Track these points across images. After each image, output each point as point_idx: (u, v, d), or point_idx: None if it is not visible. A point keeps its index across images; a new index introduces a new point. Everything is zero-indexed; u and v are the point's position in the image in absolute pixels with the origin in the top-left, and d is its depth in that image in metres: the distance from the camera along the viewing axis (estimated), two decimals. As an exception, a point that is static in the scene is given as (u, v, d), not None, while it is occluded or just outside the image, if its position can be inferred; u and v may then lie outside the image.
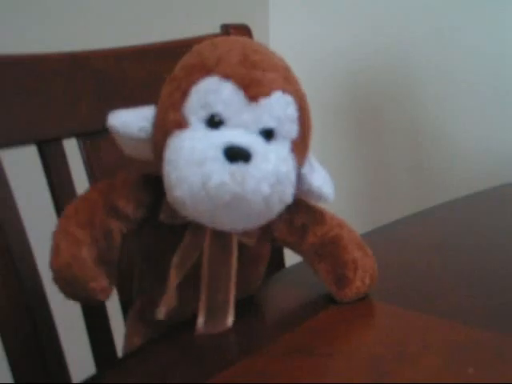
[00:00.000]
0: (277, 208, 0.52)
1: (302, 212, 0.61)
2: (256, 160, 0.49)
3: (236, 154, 0.49)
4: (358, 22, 1.50)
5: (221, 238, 0.56)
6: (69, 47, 0.74)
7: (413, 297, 0.64)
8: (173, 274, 0.56)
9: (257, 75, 0.52)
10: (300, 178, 0.56)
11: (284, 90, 0.53)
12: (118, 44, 0.77)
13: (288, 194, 0.53)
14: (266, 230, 0.59)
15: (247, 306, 0.61)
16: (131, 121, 0.55)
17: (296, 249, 0.63)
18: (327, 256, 0.61)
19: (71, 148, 0.72)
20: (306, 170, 0.57)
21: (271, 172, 0.50)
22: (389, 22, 1.46)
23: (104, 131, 0.72)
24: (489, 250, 0.76)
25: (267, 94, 0.52)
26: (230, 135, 0.51)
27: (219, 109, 0.51)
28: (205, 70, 0.53)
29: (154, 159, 0.55)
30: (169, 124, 0.52)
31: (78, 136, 0.71)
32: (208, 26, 0.87)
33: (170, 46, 0.81)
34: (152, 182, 0.57)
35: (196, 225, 0.55)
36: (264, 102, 0.52)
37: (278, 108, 0.53)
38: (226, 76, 0.52)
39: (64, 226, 0.54)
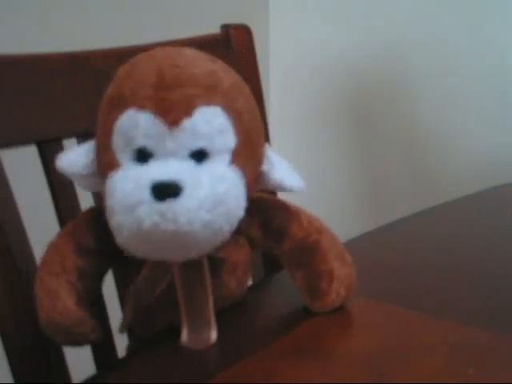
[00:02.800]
0: (226, 227, 0.50)
1: (278, 215, 0.59)
2: (186, 191, 0.47)
3: (163, 192, 0.47)
4: (358, 23, 1.50)
5: (190, 264, 0.54)
6: (69, 47, 0.74)
7: (413, 297, 0.64)
8: (128, 304, 0.56)
9: (173, 97, 0.49)
10: (262, 177, 0.55)
11: (208, 103, 0.50)
12: (118, 44, 0.77)
13: (235, 210, 0.51)
14: (238, 238, 0.57)
15: (247, 307, 0.61)
16: (75, 159, 0.54)
17: (275, 254, 0.61)
18: (303, 264, 0.60)
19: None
20: (265, 167, 0.55)
21: (205, 198, 0.48)
22: (389, 22, 1.46)
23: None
24: (489, 250, 0.76)
25: (188, 114, 0.49)
26: (157, 170, 0.49)
27: (142, 142, 0.50)
28: (122, 104, 0.51)
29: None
30: (103, 166, 0.52)
31: (77, 136, 0.71)
32: (208, 26, 0.87)
33: (170, 46, 0.81)
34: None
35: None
36: (186, 123, 0.49)
37: (203, 125, 0.50)
38: (142, 106, 0.50)
39: (41, 277, 0.54)
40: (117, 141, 0.51)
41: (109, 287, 0.64)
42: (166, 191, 0.47)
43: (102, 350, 0.69)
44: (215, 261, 0.56)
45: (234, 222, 0.51)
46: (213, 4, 1.44)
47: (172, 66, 0.51)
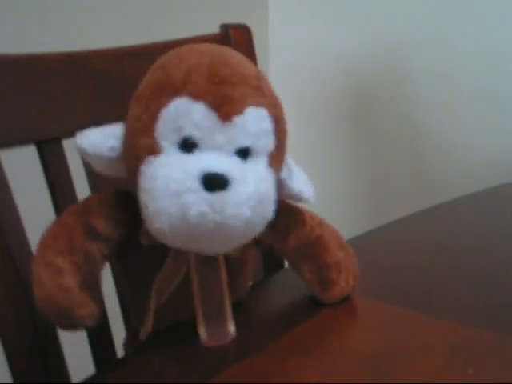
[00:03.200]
0: (259, 227, 0.52)
1: (283, 214, 0.59)
2: (234, 185, 0.48)
3: (213, 183, 0.47)
4: (358, 22, 1.50)
5: (207, 258, 0.55)
6: (69, 47, 0.73)
7: (413, 297, 0.64)
8: (153, 299, 0.56)
9: (228, 92, 0.50)
10: (280, 184, 0.56)
11: (257, 104, 0.52)
12: (118, 44, 0.77)
13: (269, 212, 0.52)
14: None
15: (247, 307, 0.61)
16: (100, 141, 0.53)
17: (279, 250, 0.63)
18: (310, 258, 0.61)
19: (71, 148, 0.72)
20: (284, 175, 0.57)
21: (251, 195, 0.49)
22: (389, 21, 1.46)
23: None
24: (488, 250, 0.76)
25: (240, 111, 0.50)
26: (206, 161, 0.49)
27: (192, 132, 0.50)
28: (173, 91, 0.50)
29: (129, 178, 0.53)
30: (141, 149, 0.51)
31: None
32: (208, 26, 0.87)
33: (170, 46, 0.81)
34: (127, 199, 0.55)
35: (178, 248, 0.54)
36: (238, 120, 0.50)
37: (253, 125, 0.51)
38: (197, 96, 0.50)
39: (43, 254, 0.52)
40: (163, 126, 0.50)
41: (108, 289, 0.63)
42: (216, 183, 0.48)
43: (102, 349, 0.69)
44: (227, 259, 0.56)
45: (265, 224, 0.52)
46: (212, 4, 1.44)
47: (224, 64, 0.52)
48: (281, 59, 1.61)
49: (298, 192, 0.58)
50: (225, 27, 0.86)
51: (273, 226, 0.58)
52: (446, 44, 1.40)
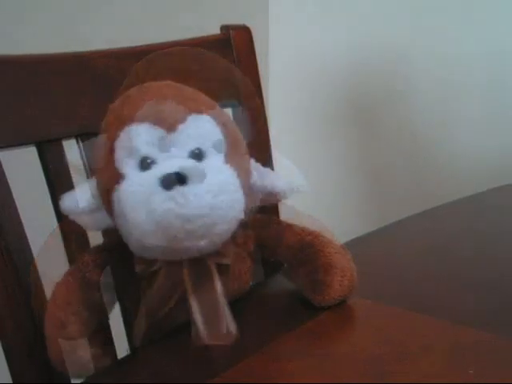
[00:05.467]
0: (231, 216, 0.54)
1: (272, 228, 0.63)
2: (191, 179, 0.51)
3: (171, 181, 0.51)
4: (358, 23, 1.51)
5: (198, 266, 0.57)
6: (69, 47, 0.74)
7: (413, 298, 0.64)
8: (144, 317, 0.58)
9: (168, 108, 0.55)
10: (254, 188, 0.59)
11: (198, 112, 0.56)
12: (118, 44, 0.77)
13: (238, 200, 0.54)
14: (240, 246, 0.61)
15: (246, 307, 0.61)
16: (77, 197, 0.58)
17: (272, 263, 0.65)
18: (304, 261, 0.62)
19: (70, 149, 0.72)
20: (254, 178, 0.60)
21: (209, 184, 0.52)
22: (389, 22, 1.46)
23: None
24: (489, 252, 0.76)
25: (183, 120, 0.55)
26: (163, 167, 0.53)
27: (145, 150, 0.54)
28: (121, 123, 0.55)
29: (113, 222, 0.57)
30: (108, 183, 0.55)
31: (77, 136, 0.71)
32: (208, 26, 0.87)
33: (170, 47, 0.81)
34: (116, 246, 0.59)
35: (170, 264, 0.56)
36: (182, 127, 0.55)
37: (197, 128, 0.55)
38: (141, 119, 0.54)
39: (47, 312, 0.57)
40: (119, 155, 0.54)
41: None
42: (173, 181, 0.51)
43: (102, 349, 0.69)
44: (221, 268, 0.58)
45: (237, 213, 0.54)
46: (213, 4, 1.44)
47: (161, 88, 0.58)
48: (281, 60, 1.61)
49: (272, 187, 0.61)
50: (225, 28, 0.86)
51: (261, 240, 0.63)
52: (447, 45, 1.40)
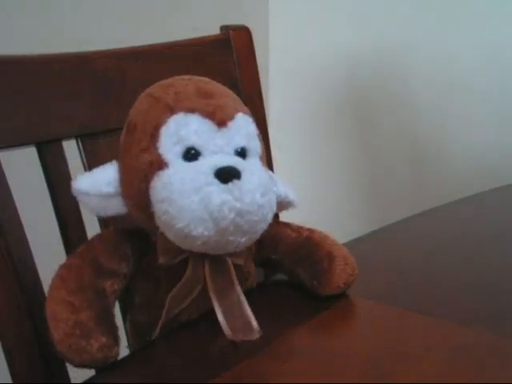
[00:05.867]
0: (269, 216, 0.55)
1: (269, 228, 0.62)
2: (244, 175, 0.52)
3: (228, 174, 0.51)
4: (358, 23, 1.51)
5: (218, 264, 0.57)
6: (69, 47, 0.74)
7: (413, 298, 0.64)
8: (166, 309, 0.57)
9: (217, 102, 0.56)
10: None
11: (243, 111, 0.58)
12: (118, 44, 0.77)
13: (274, 202, 0.56)
14: (249, 248, 0.62)
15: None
16: (97, 179, 0.57)
17: (272, 261, 0.65)
18: (303, 258, 0.63)
19: (70, 149, 0.72)
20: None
21: (259, 183, 0.53)
22: (390, 22, 1.46)
23: (104, 132, 0.72)
24: (489, 252, 0.76)
25: (232, 117, 0.56)
26: (214, 160, 0.53)
27: (193, 140, 0.54)
28: (168, 110, 0.55)
29: (132, 210, 0.56)
30: (146, 168, 0.54)
31: (77, 137, 0.71)
32: (208, 26, 0.87)
33: (170, 47, 0.81)
34: (129, 235, 0.59)
35: (195, 259, 0.57)
36: (231, 124, 0.56)
37: (244, 128, 0.57)
38: (191, 110, 0.55)
39: (55, 296, 0.55)
40: (165, 142, 0.54)
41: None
42: (229, 174, 0.52)
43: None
44: (234, 268, 0.59)
45: (272, 214, 0.56)
46: (213, 4, 1.44)
47: (206, 83, 0.59)
48: (281, 60, 1.61)
49: (285, 196, 0.63)
50: (225, 28, 0.86)
51: (260, 239, 0.62)
52: (447, 44, 1.40)
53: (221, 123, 0.55)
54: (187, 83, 0.58)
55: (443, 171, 1.46)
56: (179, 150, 0.54)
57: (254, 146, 0.57)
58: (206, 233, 0.52)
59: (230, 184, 0.51)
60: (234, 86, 0.85)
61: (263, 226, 0.55)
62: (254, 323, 0.56)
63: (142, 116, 0.56)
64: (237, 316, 0.57)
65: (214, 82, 0.60)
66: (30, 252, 0.65)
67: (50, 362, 0.63)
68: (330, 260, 0.62)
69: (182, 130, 0.54)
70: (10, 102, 0.66)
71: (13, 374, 0.62)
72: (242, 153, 0.56)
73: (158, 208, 0.53)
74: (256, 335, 0.55)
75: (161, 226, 0.54)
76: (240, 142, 0.56)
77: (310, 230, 0.65)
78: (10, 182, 0.65)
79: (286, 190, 0.63)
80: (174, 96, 0.56)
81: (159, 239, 0.56)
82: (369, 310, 0.62)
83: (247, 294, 0.63)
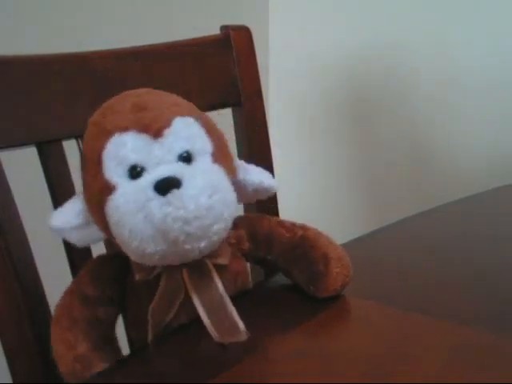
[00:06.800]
0: (225, 215, 0.54)
1: (263, 225, 0.64)
2: (185, 181, 0.51)
3: (165, 185, 0.51)
4: (358, 23, 1.51)
5: (197, 268, 0.57)
6: (69, 47, 0.74)
7: (413, 298, 0.64)
8: (151, 323, 0.58)
9: (151, 114, 0.55)
10: (241, 185, 0.60)
11: (181, 114, 0.56)
12: (118, 44, 0.77)
13: (230, 199, 0.55)
14: (236, 246, 0.62)
15: (245, 307, 0.61)
16: (66, 213, 0.58)
17: (267, 262, 0.65)
18: (298, 259, 0.63)
19: (70, 149, 0.72)
20: (241, 175, 0.60)
21: (203, 185, 0.52)
22: (390, 22, 1.46)
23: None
24: (489, 252, 0.76)
25: (168, 124, 0.55)
26: (154, 173, 0.53)
27: (133, 158, 0.54)
28: (105, 134, 0.55)
29: (104, 235, 0.57)
30: (98, 195, 0.54)
31: (77, 137, 0.71)
32: (208, 26, 0.87)
33: (170, 47, 0.81)
34: (111, 259, 0.61)
35: (170, 270, 0.57)
36: (168, 132, 0.55)
37: (183, 131, 0.56)
38: (125, 128, 0.54)
39: (54, 334, 0.58)
40: (108, 166, 0.54)
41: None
42: (168, 184, 0.51)
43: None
44: (218, 269, 0.58)
45: (230, 211, 0.54)
46: (212, 4, 1.44)
47: (143, 94, 0.58)
48: (281, 60, 1.61)
49: (260, 183, 0.62)
50: (225, 28, 0.86)
51: (255, 239, 0.63)
52: (447, 44, 1.40)
53: (157, 134, 0.54)
54: (124, 99, 0.57)
55: (443, 171, 1.46)
56: (122, 170, 0.54)
57: (201, 145, 0.56)
58: (158, 248, 0.52)
59: (169, 195, 0.50)
60: (233, 85, 0.85)
61: (221, 226, 0.54)
62: (241, 324, 0.56)
63: (88, 145, 0.57)
64: (222, 318, 0.56)
65: (154, 92, 0.59)
66: (30, 252, 0.65)
67: (49, 362, 0.63)
68: (326, 262, 0.61)
69: (120, 150, 0.54)
70: (10, 102, 0.66)
71: (13, 374, 0.62)
72: (187, 157, 0.55)
73: (113, 231, 0.53)
74: (243, 336, 0.55)
75: (121, 246, 0.54)
76: (181, 147, 0.55)
77: (304, 229, 0.64)
78: (10, 182, 0.65)
79: (260, 176, 0.62)
80: (110, 118, 0.56)
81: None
82: (369, 310, 0.62)
83: (243, 294, 0.63)
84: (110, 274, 0.60)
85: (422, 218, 0.89)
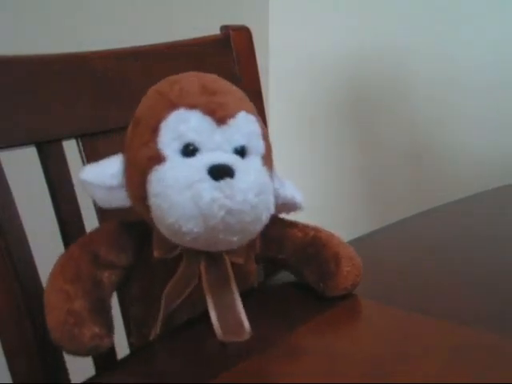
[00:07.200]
0: (264, 217, 0.54)
1: (275, 225, 0.63)
2: (239, 174, 0.52)
3: (220, 172, 0.51)
4: (358, 23, 1.51)
5: (215, 262, 0.57)
6: (69, 47, 0.74)
7: (413, 298, 0.64)
8: (163, 308, 0.58)
9: (220, 100, 0.56)
10: (276, 195, 0.59)
11: (246, 110, 0.57)
12: (118, 44, 0.77)
13: (271, 202, 0.55)
14: (251, 247, 0.62)
15: (247, 306, 0.61)
16: (101, 171, 0.57)
17: (278, 261, 0.65)
18: (310, 259, 0.63)
19: (70, 149, 0.72)
20: (276, 184, 0.60)
21: (254, 182, 0.52)
22: (390, 23, 1.46)
23: (103, 132, 0.72)
24: (489, 252, 0.76)
25: (233, 115, 0.55)
26: (209, 157, 0.53)
27: (192, 136, 0.54)
28: (170, 106, 0.55)
29: (133, 203, 0.57)
30: (145, 162, 0.54)
31: (77, 137, 0.71)
32: (208, 26, 0.87)
33: (170, 47, 0.81)
34: (130, 227, 0.59)
35: (190, 255, 0.56)
36: (232, 122, 0.55)
37: (245, 126, 0.56)
38: (192, 106, 0.55)
39: (53, 284, 0.55)
40: (164, 137, 0.54)
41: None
42: (222, 172, 0.51)
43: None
44: (233, 268, 0.59)
45: (268, 215, 0.55)
46: (212, 4, 1.44)
47: (212, 81, 0.59)
48: (281, 60, 1.61)
49: (292, 198, 0.62)
50: (225, 28, 0.86)
51: (266, 238, 0.63)
52: (446, 45, 1.40)
53: (221, 121, 0.55)
54: (193, 79, 0.58)
55: (443, 171, 1.46)
56: (178, 145, 0.54)
57: (255, 145, 0.57)
58: (195, 229, 0.51)
59: (221, 181, 0.50)
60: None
61: (257, 227, 0.54)
62: (246, 324, 0.56)
63: (147, 110, 0.57)
64: (229, 316, 0.56)
65: (222, 80, 0.60)
66: (29, 252, 0.65)
67: (49, 362, 0.63)
68: (337, 262, 0.62)
69: (181, 125, 0.54)
70: (10, 102, 0.66)
71: (13, 374, 0.62)
72: (241, 151, 0.56)
73: (153, 202, 0.53)
74: (246, 336, 0.55)
75: (154, 219, 0.54)
76: (240, 141, 0.55)
77: (316, 230, 0.65)
78: (10, 182, 0.65)
79: (293, 192, 0.63)
80: (177, 92, 0.56)
81: (155, 233, 0.56)
82: (368, 310, 0.62)
83: (248, 293, 0.63)
84: (128, 241, 0.59)
85: (421, 218, 0.89)
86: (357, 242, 0.77)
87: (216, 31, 0.87)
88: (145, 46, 0.79)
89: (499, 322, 0.58)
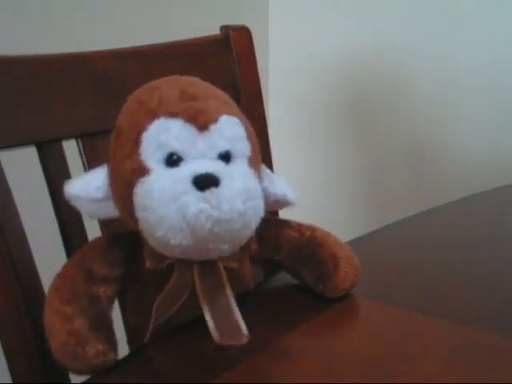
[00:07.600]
0: (253, 223, 0.54)
1: (270, 226, 0.63)
2: (224, 182, 0.51)
3: (205, 181, 0.50)
4: (358, 23, 1.51)
5: (209, 268, 0.57)
6: (69, 47, 0.74)
7: (413, 298, 0.64)
8: (154, 316, 0.57)
9: (200, 106, 0.54)
10: (265, 193, 0.58)
11: (229, 113, 0.56)
12: (118, 44, 0.77)
13: (260, 207, 0.54)
14: (245, 250, 0.61)
15: (246, 307, 0.61)
16: (87, 183, 0.57)
17: (275, 262, 0.65)
18: (307, 259, 0.63)
19: (70, 149, 0.72)
20: (265, 183, 0.59)
21: (241, 189, 0.51)
22: (389, 23, 1.46)
23: (103, 132, 0.72)
24: (489, 252, 0.76)
25: (215, 120, 0.54)
26: (194, 166, 0.52)
27: (174, 146, 0.53)
28: (150, 115, 0.54)
29: (121, 214, 0.56)
30: (129, 174, 0.53)
31: (77, 137, 0.71)
32: (208, 26, 0.87)
33: (170, 47, 0.81)
34: (120, 240, 0.59)
35: (182, 263, 0.56)
36: (214, 128, 0.54)
37: (228, 130, 0.55)
38: (172, 114, 0.53)
39: (50, 307, 0.56)
40: (146, 148, 0.53)
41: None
42: (207, 181, 0.50)
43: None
44: (227, 271, 0.58)
45: (258, 220, 0.54)
46: (212, 4, 1.44)
47: (191, 85, 0.57)
48: (281, 60, 1.61)
49: (283, 195, 0.61)
50: (225, 28, 0.86)
51: (262, 240, 0.63)
52: (446, 45, 1.40)
53: (203, 127, 0.53)
54: (173, 85, 0.56)
55: (443, 171, 1.46)
56: (161, 155, 0.53)
57: (240, 148, 0.55)
58: (184, 242, 0.51)
59: (207, 192, 0.50)
60: (233, 86, 0.85)
61: (247, 233, 0.54)
62: (243, 327, 0.56)
63: (127, 120, 0.56)
64: (226, 320, 0.56)
65: (202, 83, 0.59)
66: (29, 252, 0.65)
67: (49, 362, 0.63)
68: (335, 263, 0.62)
69: (162, 135, 0.53)
70: (10, 102, 0.66)
71: (13, 374, 0.62)
72: (226, 156, 0.55)
73: (140, 216, 0.52)
74: (244, 340, 0.55)
75: (143, 232, 0.53)
76: (223, 146, 0.54)
77: (312, 229, 0.64)
78: (10, 182, 0.65)
79: (284, 188, 0.62)
80: (157, 100, 0.55)
81: (146, 244, 0.55)
82: (369, 309, 0.62)
83: (244, 295, 0.63)
84: (118, 254, 0.58)
85: (421, 218, 0.89)
86: (356, 242, 0.77)
87: (216, 31, 0.87)
88: (145, 46, 0.79)
89: (499, 322, 0.58)
